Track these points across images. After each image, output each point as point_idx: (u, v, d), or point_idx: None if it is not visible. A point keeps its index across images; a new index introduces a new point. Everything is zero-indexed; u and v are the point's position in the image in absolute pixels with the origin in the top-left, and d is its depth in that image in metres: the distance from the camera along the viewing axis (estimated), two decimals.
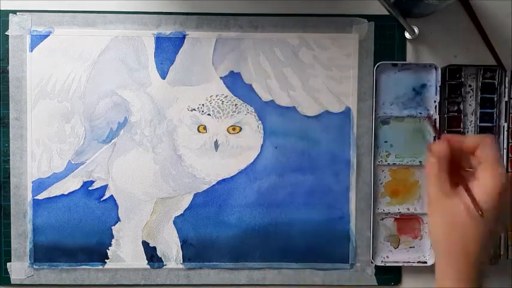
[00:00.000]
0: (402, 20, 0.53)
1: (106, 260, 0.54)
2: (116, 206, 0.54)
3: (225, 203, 0.54)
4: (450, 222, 0.41)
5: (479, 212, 0.39)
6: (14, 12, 0.53)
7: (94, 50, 0.53)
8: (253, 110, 0.54)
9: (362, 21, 0.54)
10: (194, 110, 0.54)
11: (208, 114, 0.54)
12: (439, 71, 0.53)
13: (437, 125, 0.51)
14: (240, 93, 0.54)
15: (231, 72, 0.54)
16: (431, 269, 0.55)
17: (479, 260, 0.41)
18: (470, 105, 0.55)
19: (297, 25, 0.54)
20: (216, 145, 0.54)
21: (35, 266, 0.54)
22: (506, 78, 0.54)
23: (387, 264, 0.54)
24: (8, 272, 0.54)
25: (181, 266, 0.54)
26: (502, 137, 0.54)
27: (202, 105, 0.54)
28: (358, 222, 0.55)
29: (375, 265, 0.55)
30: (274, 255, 0.54)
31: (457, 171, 0.42)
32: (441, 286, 0.42)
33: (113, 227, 0.54)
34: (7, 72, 0.53)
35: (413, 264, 0.54)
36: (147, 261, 0.54)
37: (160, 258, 0.54)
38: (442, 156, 0.41)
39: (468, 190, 0.40)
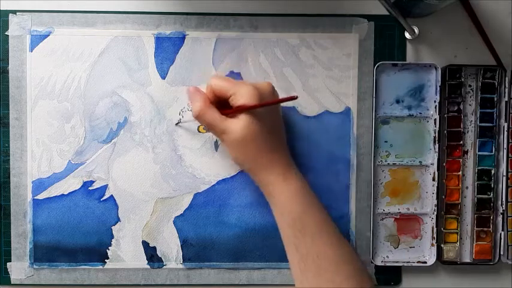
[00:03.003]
0: (402, 20, 0.53)
1: (106, 260, 0.54)
2: (116, 206, 0.54)
3: (225, 203, 0.54)
4: (239, 140, 0.46)
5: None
6: (14, 12, 0.53)
7: (94, 50, 0.53)
8: None
9: (362, 21, 0.54)
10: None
11: None
12: (439, 71, 0.53)
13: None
14: None
15: (231, 72, 0.54)
16: (431, 269, 0.55)
17: (276, 153, 0.47)
18: (470, 105, 0.55)
19: (297, 25, 0.54)
20: (216, 145, 0.54)
21: (35, 266, 0.54)
22: (506, 78, 0.54)
23: (387, 264, 0.54)
24: (8, 272, 0.54)
25: (181, 266, 0.54)
26: (502, 137, 0.54)
27: None
28: (358, 222, 0.55)
29: (375, 265, 0.55)
30: (274, 255, 0.54)
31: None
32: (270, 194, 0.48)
33: (113, 227, 0.54)
34: (7, 72, 0.53)
35: (413, 264, 0.54)
36: (147, 261, 0.54)
37: (160, 258, 0.54)
38: (201, 114, 0.47)
39: (238, 107, 0.46)
